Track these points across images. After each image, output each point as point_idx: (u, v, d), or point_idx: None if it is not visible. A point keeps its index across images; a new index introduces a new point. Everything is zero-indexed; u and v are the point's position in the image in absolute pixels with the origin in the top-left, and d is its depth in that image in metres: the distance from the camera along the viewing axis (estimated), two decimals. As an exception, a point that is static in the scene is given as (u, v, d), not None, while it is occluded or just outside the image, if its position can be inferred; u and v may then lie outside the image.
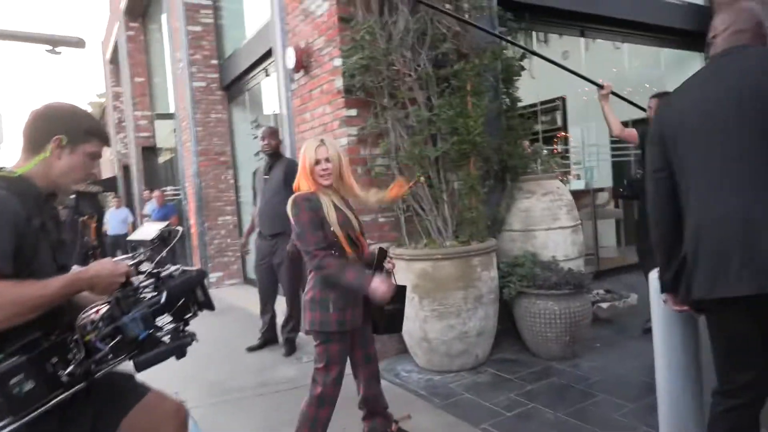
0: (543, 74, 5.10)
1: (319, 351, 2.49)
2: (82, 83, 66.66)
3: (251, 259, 5.29)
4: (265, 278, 4.58)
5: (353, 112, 3.99)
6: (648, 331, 4.54)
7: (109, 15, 14.62)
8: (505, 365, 3.76)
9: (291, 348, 4.46)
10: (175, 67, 8.24)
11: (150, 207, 9.85)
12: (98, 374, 1.46)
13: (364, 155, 4.02)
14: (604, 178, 7.88)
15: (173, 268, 1.62)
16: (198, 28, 7.68)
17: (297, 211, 2.42)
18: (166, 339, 1.54)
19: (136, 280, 1.57)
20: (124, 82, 12.93)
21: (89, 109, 1.78)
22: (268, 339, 4.66)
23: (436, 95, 3.87)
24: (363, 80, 3.79)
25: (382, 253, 2.50)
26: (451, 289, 3.56)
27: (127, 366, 1.53)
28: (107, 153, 14.45)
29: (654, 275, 2.15)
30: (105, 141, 1.65)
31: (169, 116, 10.26)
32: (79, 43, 7.48)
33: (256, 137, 4.47)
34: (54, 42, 7.39)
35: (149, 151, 12.19)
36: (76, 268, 1.55)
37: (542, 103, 8.82)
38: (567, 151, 8.01)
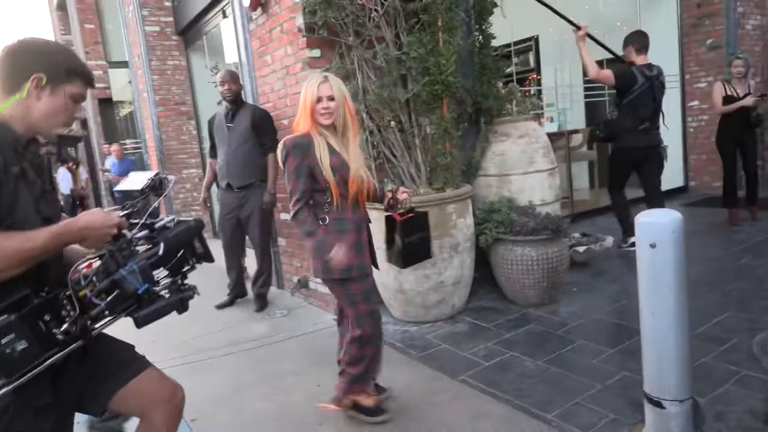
0: (515, 13, 4.86)
1: (339, 295, 2.48)
2: (28, 34, 62.80)
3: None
4: (230, 233, 4.35)
5: (316, 52, 3.70)
6: (626, 246, 4.58)
7: (52, -45, 13.54)
8: (483, 314, 3.69)
9: (262, 304, 4.32)
10: (126, 10, 7.67)
11: (110, 162, 9.41)
12: (95, 332, 1.39)
13: (331, 99, 3.76)
14: (577, 119, 7.76)
15: (167, 218, 1.50)
16: (147, -34, 7.09)
17: (284, 156, 2.31)
18: (164, 294, 1.44)
19: (127, 232, 1.45)
20: (74, 29, 12.11)
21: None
22: (237, 294, 4.52)
23: (405, 32, 3.60)
24: (325, 16, 3.48)
25: (391, 224, 2.53)
26: (426, 238, 3.40)
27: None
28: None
29: (642, 218, 2.03)
30: (89, 82, 1.49)
31: (124, 64, 9.65)
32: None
33: (216, 84, 4.15)
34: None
35: (106, 104, 11.56)
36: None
37: (515, 43, 8.55)
38: (540, 92, 7.83)
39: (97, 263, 1.36)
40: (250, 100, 4.54)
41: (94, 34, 11.54)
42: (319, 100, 2.28)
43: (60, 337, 1.30)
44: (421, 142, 3.71)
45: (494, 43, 4.42)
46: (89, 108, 12.01)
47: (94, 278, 1.33)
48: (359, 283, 2.40)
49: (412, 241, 2.56)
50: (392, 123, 3.62)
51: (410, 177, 3.68)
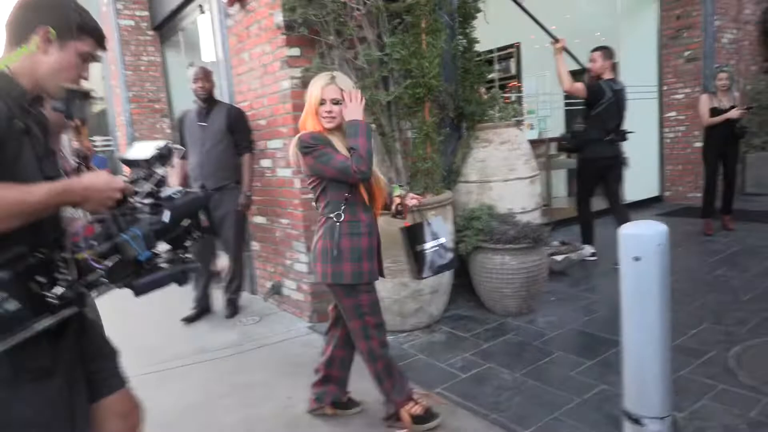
0: (498, 20, 4.86)
1: (346, 304, 2.30)
2: (3, 25, 61.35)
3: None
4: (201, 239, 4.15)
5: (296, 51, 3.59)
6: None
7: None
8: (461, 323, 3.62)
9: (234, 310, 4.17)
10: (99, 2, 7.44)
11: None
12: (90, 298, 1.34)
13: (309, 100, 3.66)
14: (557, 127, 7.78)
15: (173, 189, 1.46)
16: (122, -42, 6.89)
17: (307, 148, 2.16)
18: (164, 266, 1.38)
19: (132, 199, 1.40)
20: (46, 20, 11.75)
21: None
22: (204, 308, 4.20)
23: (388, 33, 3.52)
24: (305, 14, 3.37)
25: (413, 234, 2.46)
26: (405, 245, 3.32)
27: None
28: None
29: (626, 231, 1.98)
30: (100, 42, 1.42)
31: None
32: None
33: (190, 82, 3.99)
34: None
35: (78, 98, 11.22)
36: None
37: (498, 49, 8.56)
38: (521, 99, 7.83)
39: (98, 228, 1.32)
40: (226, 99, 4.41)
41: (68, 26, 11.23)
42: (322, 102, 2.18)
43: (54, 301, 1.23)
44: (402, 146, 3.63)
45: (477, 48, 4.38)
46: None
47: (94, 242, 1.29)
48: (368, 293, 2.29)
49: (425, 250, 2.45)
50: (373, 126, 3.54)
51: (390, 182, 3.59)
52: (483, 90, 4.42)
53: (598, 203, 5.05)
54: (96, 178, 1.32)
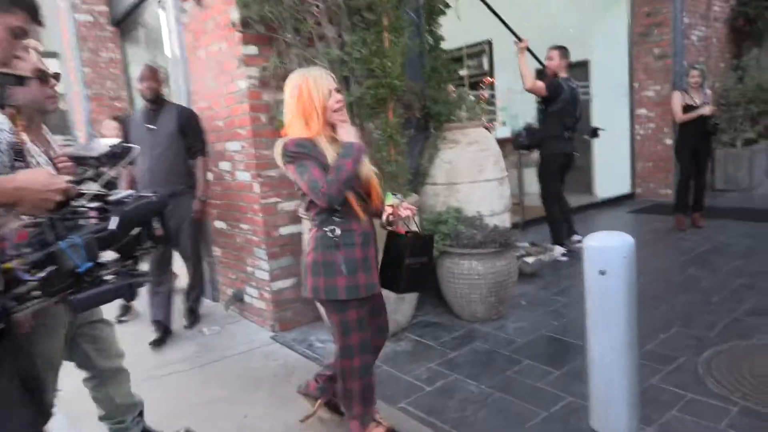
0: (469, 15, 4.76)
1: (334, 320, 2.14)
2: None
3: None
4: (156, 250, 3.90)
5: (252, 49, 3.42)
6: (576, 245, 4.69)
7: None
8: (427, 330, 3.50)
9: (194, 319, 4.00)
10: (56, -4, 7.12)
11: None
12: (19, 312, 1.14)
13: (268, 101, 3.49)
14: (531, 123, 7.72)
15: (125, 192, 1.30)
16: (79, -50, 6.58)
17: (288, 157, 2.00)
18: (109, 279, 1.21)
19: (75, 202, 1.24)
20: (4, 15, 11.28)
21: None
22: (166, 329, 3.81)
23: (348, 30, 3.37)
24: (261, 10, 3.21)
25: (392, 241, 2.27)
26: (368, 251, 3.19)
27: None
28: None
29: (591, 242, 1.88)
30: (34, 16, 1.24)
31: (53, 55, 9.01)
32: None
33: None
34: None
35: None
36: None
37: (468, 46, 8.46)
38: (493, 96, 7.76)
39: (33, 234, 1.15)
40: (183, 98, 4.20)
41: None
42: (332, 92, 2.04)
43: None
44: (367, 149, 3.49)
45: (446, 45, 4.27)
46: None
47: (26, 249, 1.13)
48: (358, 308, 2.11)
49: (411, 265, 2.22)
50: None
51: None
52: (451, 88, 4.31)
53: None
54: (33, 177, 1.16)
